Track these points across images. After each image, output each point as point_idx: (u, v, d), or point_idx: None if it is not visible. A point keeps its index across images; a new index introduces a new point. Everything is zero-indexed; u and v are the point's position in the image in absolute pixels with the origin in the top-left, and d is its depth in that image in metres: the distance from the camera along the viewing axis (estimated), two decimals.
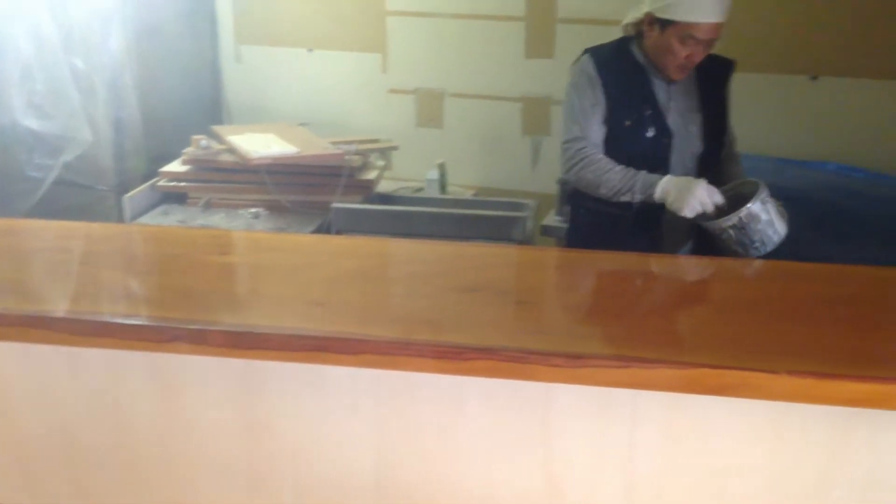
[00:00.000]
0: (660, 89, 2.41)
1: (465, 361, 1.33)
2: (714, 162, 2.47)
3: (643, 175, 2.33)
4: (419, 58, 3.87)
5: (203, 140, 3.39)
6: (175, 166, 3.41)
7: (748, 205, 2.11)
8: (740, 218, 2.11)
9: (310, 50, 3.97)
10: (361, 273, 1.73)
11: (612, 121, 2.43)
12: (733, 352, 1.33)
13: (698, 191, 2.20)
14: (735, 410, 1.49)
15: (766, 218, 2.13)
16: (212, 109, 4.12)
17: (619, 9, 3.49)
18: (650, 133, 2.39)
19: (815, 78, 3.39)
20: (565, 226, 3.21)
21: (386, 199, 3.47)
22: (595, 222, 2.52)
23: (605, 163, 2.38)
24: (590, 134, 2.41)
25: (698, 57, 2.29)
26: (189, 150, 3.38)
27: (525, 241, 3.06)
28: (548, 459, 1.58)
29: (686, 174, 2.36)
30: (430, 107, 3.92)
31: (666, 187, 2.26)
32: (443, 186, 3.61)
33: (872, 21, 3.27)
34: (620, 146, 2.43)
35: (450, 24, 3.76)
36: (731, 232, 2.14)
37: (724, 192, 2.24)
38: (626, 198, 2.35)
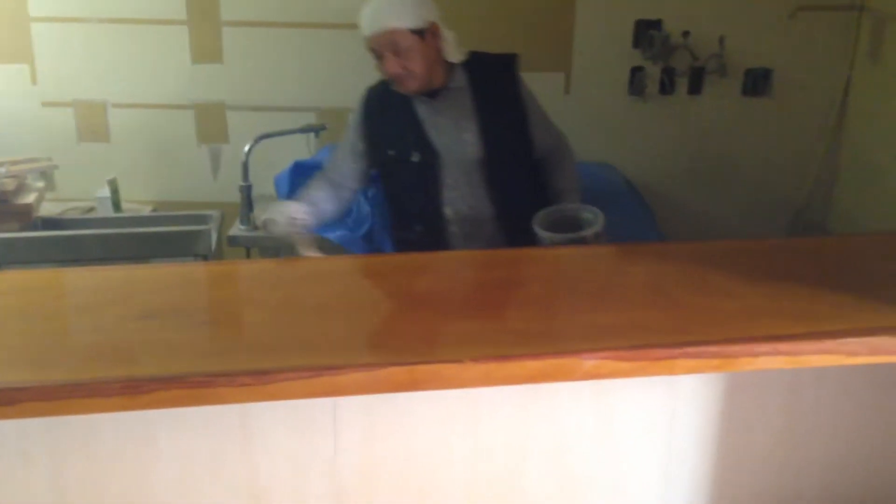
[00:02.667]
0: (423, 109, 2.33)
1: (147, 394, 1.23)
2: (511, 162, 2.37)
3: None
4: (74, 67, 3.55)
5: None
6: None
7: (583, 232, 2.13)
8: (570, 238, 2.10)
9: None
10: (21, 311, 1.54)
11: (377, 155, 2.40)
12: (419, 346, 1.36)
13: (270, 226, 2.23)
14: (433, 403, 1.53)
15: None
16: None
17: (283, 9, 3.50)
18: (415, 158, 2.33)
19: None
20: (251, 234, 3.15)
21: (50, 223, 3.15)
22: (398, 247, 2.55)
23: (307, 188, 2.43)
24: (331, 166, 2.46)
25: (389, 67, 2.21)
26: None
27: (211, 255, 2.94)
28: (252, 479, 1.52)
29: (467, 186, 2.34)
30: (91, 119, 3.61)
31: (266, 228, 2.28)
32: (116, 204, 3.35)
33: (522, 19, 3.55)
34: (392, 177, 2.42)
35: (105, 30, 3.50)
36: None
37: (564, 212, 2.24)
38: None
